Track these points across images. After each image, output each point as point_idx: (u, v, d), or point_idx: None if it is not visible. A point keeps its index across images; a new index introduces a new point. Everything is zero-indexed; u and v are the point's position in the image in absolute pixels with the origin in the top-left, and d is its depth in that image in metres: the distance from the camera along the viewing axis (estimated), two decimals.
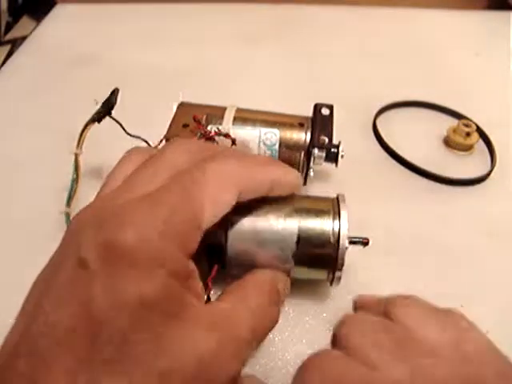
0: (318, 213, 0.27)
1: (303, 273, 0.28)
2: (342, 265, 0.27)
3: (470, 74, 0.57)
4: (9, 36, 0.65)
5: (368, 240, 0.29)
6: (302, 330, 0.31)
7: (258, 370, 0.28)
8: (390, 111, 0.51)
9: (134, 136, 0.35)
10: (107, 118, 0.35)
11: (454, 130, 0.46)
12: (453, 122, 0.48)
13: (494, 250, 0.37)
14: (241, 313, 0.22)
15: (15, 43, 0.63)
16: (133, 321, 0.18)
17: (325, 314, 0.31)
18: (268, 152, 0.36)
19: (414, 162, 0.44)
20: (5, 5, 0.66)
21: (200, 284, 0.21)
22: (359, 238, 0.29)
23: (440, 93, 0.52)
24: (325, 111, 0.38)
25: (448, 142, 0.47)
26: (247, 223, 0.26)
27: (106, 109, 0.35)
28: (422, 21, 0.68)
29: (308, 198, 0.29)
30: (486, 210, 0.40)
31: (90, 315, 0.17)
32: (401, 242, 0.37)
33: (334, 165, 0.37)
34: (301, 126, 0.36)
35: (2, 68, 0.56)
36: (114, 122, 0.35)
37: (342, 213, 0.28)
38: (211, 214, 0.21)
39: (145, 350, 0.18)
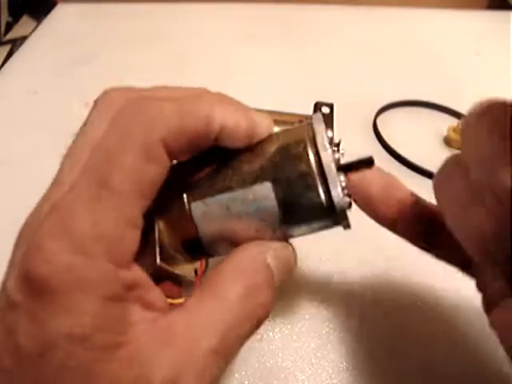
0: (290, 157, 0.21)
1: (303, 230, 0.22)
2: (339, 196, 0.21)
3: (470, 73, 0.57)
4: (9, 36, 0.65)
5: (372, 159, 0.23)
6: (302, 327, 0.31)
7: (258, 368, 0.28)
8: (391, 110, 0.51)
9: None
10: None
11: (454, 130, 0.46)
12: (453, 121, 0.48)
13: None
14: (205, 319, 0.18)
15: (15, 43, 0.63)
16: (63, 361, 0.16)
17: (325, 312, 0.31)
18: None
19: (414, 161, 0.44)
20: (5, 5, 0.66)
21: (152, 291, 0.19)
22: (358, 160, 0.23)
23: (440, 92, 0.52)
24: (325, 110, 0.38)
25: (448, 142, 0.47)
26: (210, 205, 0.21)
27: None
28: (422, 21, 0.68)
29: (274, 138, 0.22)
30: None
31: (19, 354, 0.16)
32: (401, 241, 0.37)
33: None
34: None
35: (2, 68, 0.56)
36: None
37: (319, 137, 0.21)
38: (134, 200, 0.18)
39: None
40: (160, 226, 0.21)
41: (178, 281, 0.21)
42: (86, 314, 0.16)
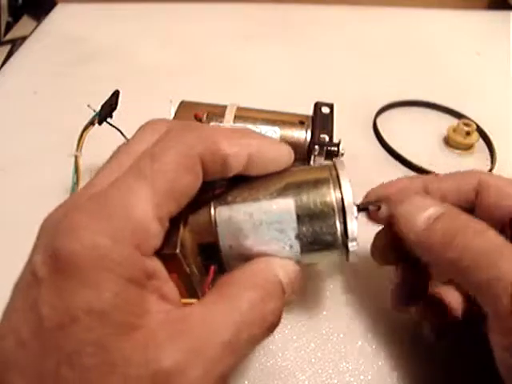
0: (315, 183, 0.23)
1: (314, 256, 0.24)
2: (354, 233, 0.23)
3: (470, 73, 0.58)
4: (9, 36, 0.65)
5: (381, 202, 0.26)
6: (303, 327, 0.31)
7: (258, 368, 0.28)
8: (391, 110, 0.51)
9: None
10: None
11: (454, 130, 0.46)
12: (453, 121, 0.49)
13: None
14: (220, 315, 0.19)
15: (15, 43, 0.63)
16: (81, 334, 0.16)
17: (325, 312, 0.31)
18: None
19: (414, 161, 0.44)
20: (5, 5, 0.66)
21: (168, 284, 0.20)
22: (368, 202, 0.26)
23: (440, 92, 0.52)
24: (325, 110, 0.38)
25: (448, 142, 0.47)
26: (235, 210, 0.23)
27: (107, 112, 0.34)
28: (422, 21, 0.68)
29: (301, 169, 0.25)
30: None
31: (40, 325, 0.17)
32: None
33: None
34: (301, 124, 0.37)
35: (2, 68, 0.56)
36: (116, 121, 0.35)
37: (343, 178, 0.23)
38: (167, 201, 0.19)
39: (95, 365, 0.16)
40: (184, 228, 0.22)
41: (186, 278, 0.22)
42: (107, 291, 0.17)
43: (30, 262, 0.18)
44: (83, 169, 0.35)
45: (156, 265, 0.19)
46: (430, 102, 0.52)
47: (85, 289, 0.17)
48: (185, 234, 0.22)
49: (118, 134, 0.34)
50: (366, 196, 0.28)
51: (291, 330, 0.30)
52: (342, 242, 0.23)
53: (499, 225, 0.24)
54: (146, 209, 0.18)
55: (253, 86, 0.52)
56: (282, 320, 0.30)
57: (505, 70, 0.57)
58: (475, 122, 0.46)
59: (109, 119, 0.34)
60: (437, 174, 0.28)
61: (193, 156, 0.20)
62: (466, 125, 0.45)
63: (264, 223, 0.23)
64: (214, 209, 0.23)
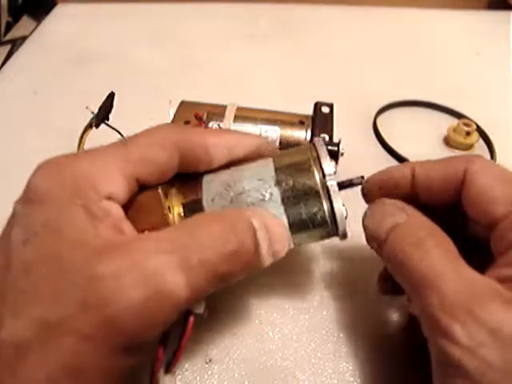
0: (295, 151, 0.26)
1: (302, 237, 0.26)
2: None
3: (470, 73, 0.58)
4: (9, 36, 0.65)
5: (362, 177, 0.27)
6: (302, 327, 0.31)
7: (258, 368, 0.28)
8: (391, 110, 0.51)
9: None
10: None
11: (454, 130, 0.46)
12: (453, 121, 0.48)
13: None
14: (168, 235, 0.20)
15: (15, 43, 0.63)
16: (39, 246, 0.19)
17: (324, 312, 0.31)
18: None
19: (415, 161, 0.44)
20: (5, 5, 0.66)
21: (125, 222, 0.21)
22: (349, 179, 0.27)
23: (440, 92, 0.52)
24: (325, 109, 0.38)
25: (448, 142, 0.47)
26: (219, 173, 0.25)
27: (103, 114, 0.34)
28: (422, 21, 0.68)
29: (280, 156, 0.27)
30: None
31: (8, 244, 0.19)
32: None
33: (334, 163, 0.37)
34: (301, 123, 0.37)
35: (2, 68, 0.56)
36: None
37: (322, 155, 0.25)
38: (136, 164, 0.22)
39: (47, 273, 0.18)
40: (173, 190, 0.25)
41: (164, 220, 0.23)
42: (64, 212, 0.20)
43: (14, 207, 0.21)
44: None
45: (114, 207, 0.21)
46: (430, 102, 0.51)
47: (47, 209, 0.19)
48: (171, 191, 0.25)
49: (118, 135, 0.34)
50: (366, 181, 0.28)
51: (291, 330, 0.30)
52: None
53: (486, 223, 0.23)
54: (113, 161, 0.22)
55: (253, 85, 0.52)
56: (282, 320, 0.31)
57: (505, 70, 0.57)
58: (475, 122, 0.46)
59: (108, 119, 0.34)
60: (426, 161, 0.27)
61: (167, 139, 0.23)
62: (466, 125, 0.45)
63: (245, 177, 0.25)
64: (202, 176, 0.26)
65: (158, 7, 0.68)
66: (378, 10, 0.69)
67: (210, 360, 0.28)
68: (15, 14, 0.68)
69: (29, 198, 0.20)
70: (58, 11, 0.68)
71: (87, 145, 0.34)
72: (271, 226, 0.22)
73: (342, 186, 0.26)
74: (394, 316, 0.31)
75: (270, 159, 0.26)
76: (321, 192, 0.24)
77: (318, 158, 0.25)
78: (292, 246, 0.25)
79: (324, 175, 0.24)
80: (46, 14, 0.66)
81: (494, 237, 0.22)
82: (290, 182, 0.24)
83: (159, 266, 0.18)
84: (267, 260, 0.22)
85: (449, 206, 0.25)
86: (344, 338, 0.30)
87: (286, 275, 0.33)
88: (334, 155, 0.37)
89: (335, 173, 0.25)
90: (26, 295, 0.18)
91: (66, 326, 0.17)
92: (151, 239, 0.20)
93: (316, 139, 0.27)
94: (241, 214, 0.22)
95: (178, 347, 0.21)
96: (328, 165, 0.25)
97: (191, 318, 0.21)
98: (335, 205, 0.24)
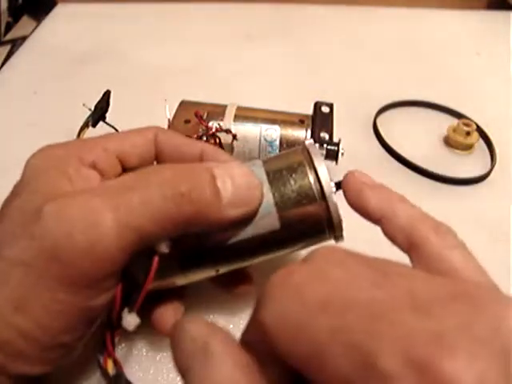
0: (289, 171, 0.24)
1: (299, 244, 0.25)
2: (337, 211, 0.24)
3: (470, 73, 0.58)
4: (9, 36, 0.65)
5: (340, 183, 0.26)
6: None
7: None
8: (391, 110, 0.51)
9: None
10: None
11: (454, 130, 0.46)
12: (453, 121, 0.48)
13: (494, 248, 0.37)
14: (119, 185, 0.21)
15: (15, 43, 0.63)
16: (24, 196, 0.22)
17: None
18: (269, 147, 0.36)
19: (414, 161, 0.44)
20: (5, 5, 0.66)
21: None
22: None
23: (440, 92, 0.52)
24: (325, 109, 0.38)
25: (448, 142, 0.47)
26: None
27: (100, 113, 0.34)
28: (422, 21, 0.68)
29: (273, 159, 0.26)
30: (486, 209, 0.40)
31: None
32: None
33: (334, 162, 0.37)
34: (301, 123, 0.37)
35: (2, 68, 0.56)
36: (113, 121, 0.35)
37: (316, 160, 0.24)
38: (116, 142, 0.25)
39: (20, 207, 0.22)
40: None
41: None
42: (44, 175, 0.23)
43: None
44: None
45: (93, 174, 0.23)
46: (430, 102, 0.51)
47: (32, 176, 0.23)
48: None
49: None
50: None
51: None
52: (327, 221, 0.24)
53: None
54: (97, 139, 0.25)
55: (253, 85, 0.52)
56: None
57: (505, 70, 0.57)
58: (475, 122, 0.46)
59: (107, 118, 0.34)
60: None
61: (144, 129, 0.26)
62: (466, 125, 0.45)
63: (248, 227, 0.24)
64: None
65: (157, 7, 0.68)
66: (378, 10, 0.69)
67: None
68: (15, 14, 0.68)
69: (23, 172, 0.23)
70: (58, 11, 0.68)
71: None
72: (237, 175, 0.22)
73: (339, 186, 0.25)
74: None
75: (260, 161, 0.25)
76: (314, 189, 0.24)
77: (312, 161, 0.24)
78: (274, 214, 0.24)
79: (319, 180, 0.24)
80: (46, 14, 0.66)
81: None
82: (276, 162, 0.25)
83: (96, 207, 0.20)
84: (230, 210, 0.22)
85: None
86: None
87: None
88: (334, 155, 0.37)
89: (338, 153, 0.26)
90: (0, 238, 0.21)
91: (16, 259, 0.20)
92: (100, 186, 0.22)
93: (307, 143, 0.26)
94: (201, 164, 0.23)
95: (141, 286, 0.22)
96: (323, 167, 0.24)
97: (155, 258, 0.21)
98: (330, 205, 0.24)
